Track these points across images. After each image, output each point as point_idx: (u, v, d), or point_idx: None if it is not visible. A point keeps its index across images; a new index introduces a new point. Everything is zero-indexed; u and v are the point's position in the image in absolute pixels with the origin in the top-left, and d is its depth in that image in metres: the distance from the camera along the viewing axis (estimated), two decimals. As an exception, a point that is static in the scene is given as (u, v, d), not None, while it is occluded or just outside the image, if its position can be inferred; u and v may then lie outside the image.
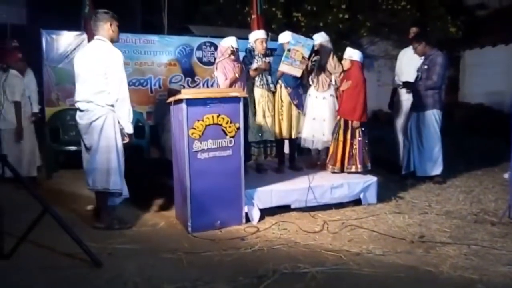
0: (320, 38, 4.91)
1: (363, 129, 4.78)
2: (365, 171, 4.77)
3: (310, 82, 4.96)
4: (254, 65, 4.62)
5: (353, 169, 4.75)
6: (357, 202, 4.56)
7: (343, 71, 4.90)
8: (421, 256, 3.26)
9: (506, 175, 5.44)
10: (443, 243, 3.50)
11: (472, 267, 3.02)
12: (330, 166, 4.82)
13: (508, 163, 4.16)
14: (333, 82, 4.96)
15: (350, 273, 2.96)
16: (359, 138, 4.76)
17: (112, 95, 3.61)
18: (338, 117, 4.83)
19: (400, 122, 5.95)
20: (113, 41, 3.76)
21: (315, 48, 4.80)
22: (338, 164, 4.78)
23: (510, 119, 3.98)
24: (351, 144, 4.75)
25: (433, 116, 5.30)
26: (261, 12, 7.03)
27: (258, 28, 5.81)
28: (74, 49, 6.24)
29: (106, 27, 3.70)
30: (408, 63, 5.86)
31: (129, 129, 3.71)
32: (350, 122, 4.74)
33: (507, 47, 10.42)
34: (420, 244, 3.49)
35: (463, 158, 6.67)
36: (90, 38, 5.97)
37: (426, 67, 5.28)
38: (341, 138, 4.77)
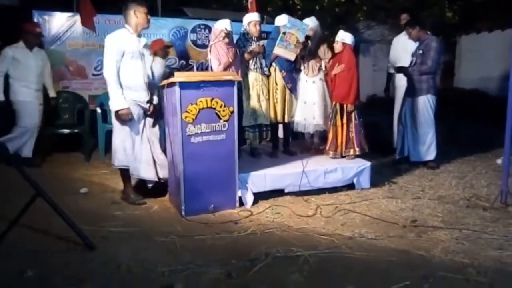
0: (311, 22, 4.84)
1: (357, 112, 4.78)
2: (362, 154, 4.77)
3: (301, 68, 4.94)
4: (248, 49, 4.57)
5: (351, 153, 4.75)
6: (350, 186, 4.57)
7: (334, 55, 4.88)
8: (413, 240, 3.28)
9: (499, 161, 5.48)
10: (435, 227, 3.52)
11: (463, 251, 3.05)
12: (331, 152, 4.78)
13: (501, 149, 4.17)
14: (323, 67, 4.93)
15: (343, 256, 2.98)
16: (356, 122, 4.75)
17: None
18: (334, 102, 4.81)
19: (398, 108, 5.96)
20: (138, 27, 3.89)
21: (308, 33, 4.76)
22: (339, 149, 4.77)
23: (505, 105, 3.98)
24: (348, 128, 4.75)
25: (427, 101, 5.29)
26: (257, -6, 6.95)
27: (256, 11, 5.74)
28: (67, 30, 6.15)
29: (131, 14, 3.85)
30: (404, 50, 5.86)
31: (111, 106, 3.88)
32: (345, 106, 4.73)
33: (503, 32, 10.39)
34: (413, 228, 3.51)
35: (457, 143, 6.70)
36: (83, 19, 5.92)
37: (421, 52, 5.26)
38: (339, 123, 4.75)
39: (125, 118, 3.84)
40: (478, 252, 3.04)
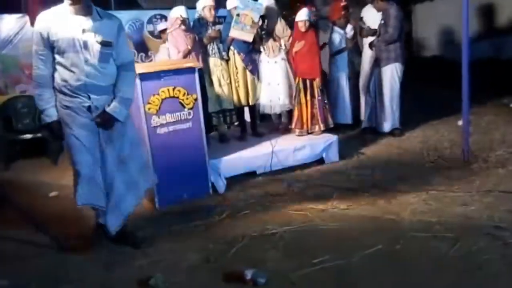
0: (266, 1, 4.84)
1: (321, 87, 4.84)
2: (327, 129, 4.84)
3: (261, 49, 4.93)
4: (204, 34, 4.52)
5: (317, 129, 4.82)
6: (320, 161, 4.65)
7: (292, 33, 4.90)
8: (383, 206, 3.38)
9: (460, 122, 5.65)
10: (403, 192, 3.63)
11: (431, 211, 3.17)
12: (298, 130, 4.83)
13: (461, 111, 4.32)
14: (283, 46, 4.94)
15: (316, 229, 3.05)
16: (319, 97, 4.81)
17: None
18: (297, 79, 4.84)
19: (363, 80, 6.06)
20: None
21: (262, 13, 4.75)
22: (305, 126, 4.82)
23: (461, 69, 4.11)
24: (312, 104, 4.81)
25: (394, 70, 5.40)
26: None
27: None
28: (17, 33, 5.94)
29: None
30: (371, 21, 5.94)
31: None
32: (308, 82, 4.77)
33: (455, -2, 10.62)
34: (382, 195, 3.62)
35: (420, 109, 6.85)
36: (32, 20, 5.71)
37: (383, 22, 5.37)
38: (303, 100, 4.80)
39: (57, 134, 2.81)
40: (444, 210, 3.17)
